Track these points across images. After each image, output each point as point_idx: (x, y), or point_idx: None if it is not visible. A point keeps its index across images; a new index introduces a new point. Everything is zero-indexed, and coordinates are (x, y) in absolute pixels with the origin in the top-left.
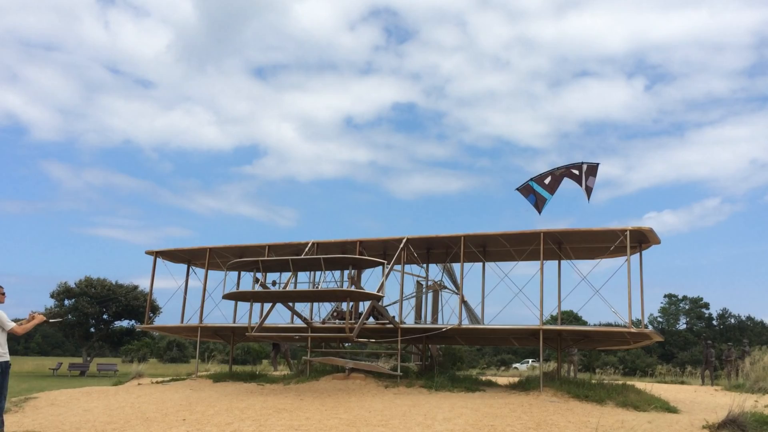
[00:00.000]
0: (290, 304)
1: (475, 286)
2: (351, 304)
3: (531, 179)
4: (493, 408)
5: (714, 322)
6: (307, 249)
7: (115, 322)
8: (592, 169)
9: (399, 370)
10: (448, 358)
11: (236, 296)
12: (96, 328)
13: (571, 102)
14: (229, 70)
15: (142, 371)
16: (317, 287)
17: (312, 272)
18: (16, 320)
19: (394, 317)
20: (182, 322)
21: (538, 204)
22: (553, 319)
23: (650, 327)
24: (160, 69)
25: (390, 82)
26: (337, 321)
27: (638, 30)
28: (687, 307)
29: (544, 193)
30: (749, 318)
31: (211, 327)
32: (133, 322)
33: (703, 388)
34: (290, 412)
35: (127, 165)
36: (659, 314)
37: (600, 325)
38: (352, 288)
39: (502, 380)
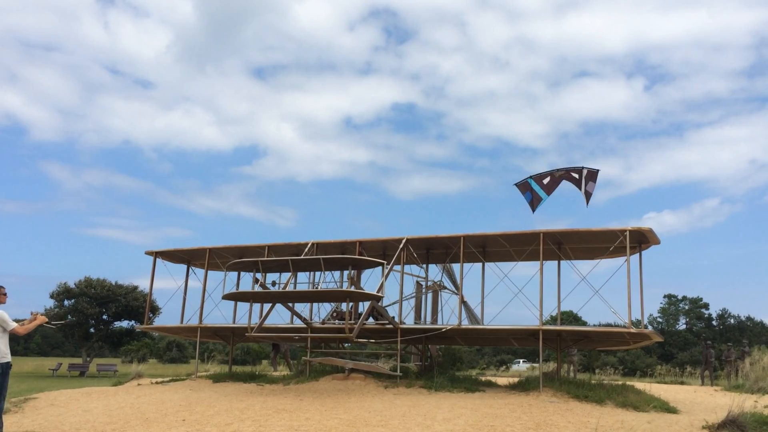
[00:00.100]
0: (290, 304)
1: (474, 287)
2: (351, 304)
3: (530, 177)
4: (492, 408)
5: (714, 323)
6: (306, 249)
7: (115, 323)
8: (593, 174)
9: (399, 371)
10: (447, 359)
11: (236, 297)
12: (96, 328)
13: (571, 102)
14: (228, 70)
15: (141, 372)
16: (317, 288)
17: (312, 273)
18: (16, 321)
19: (393, 318)
20: (182, 322)
21: (534, 202)
22: (553, 320)
23: (650, 327)
24: (160, 69)
25: (389, 82)
26: (336, 321)
27: (638, 30)
28: (686, 307)
29: (541, 193)
30: (749, 318)
31: (211, 327)
32: (132, 322)
33: (703, 388)
34: (290, 412)
35: (127, 165)
36: (659, 314)
37: (600, 325)
38: (352, 288)
39: (501, 380)
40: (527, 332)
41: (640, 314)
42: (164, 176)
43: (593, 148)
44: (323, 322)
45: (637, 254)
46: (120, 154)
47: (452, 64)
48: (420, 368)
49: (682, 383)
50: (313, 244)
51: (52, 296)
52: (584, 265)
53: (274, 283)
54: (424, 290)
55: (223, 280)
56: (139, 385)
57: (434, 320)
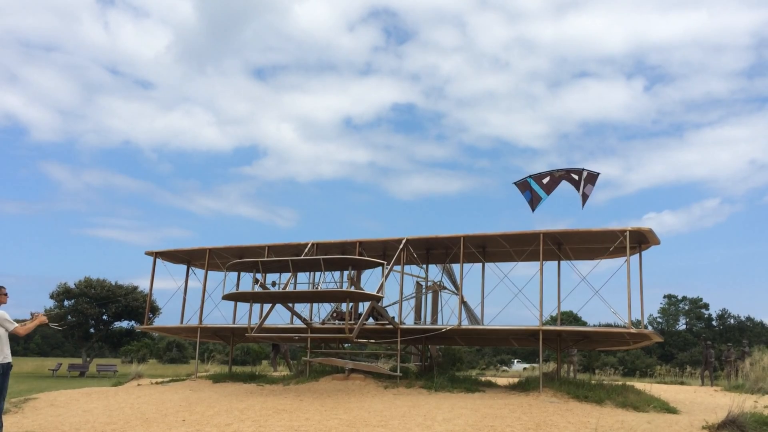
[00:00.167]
0: (290, 304)
1: (474, 287)
2: (351, 304)
3: (530, 176)
4: (492, 408)
5: (713, 323)
6: (306, 250)
7: (115, 323)
8: (592, 177)
9: (399, 371)
10: (447, 359)
11: (236, 297)
12: (96, 328)
13: (571, 103)
14: (228, 70)
15: (141, 372)
16: (317, 288)
17: (312, 273)
18: (16, 321)
19: (393, 318)
20: (182, 322)
21: (533, 202)
22: (553, 320)
23: (650, 327)
24: (160, 70)
25: (389, 82)
26: (336, 322)
27: (637, 31)
28: (686, 307)
29: (541, 192)
30: (749, 318)
31: (211, 328)
32: (132, 322)
33: (703, 388)
34: (290, 412)
35: (127, 166)
36: (659, 315)
37: (600, 325)
38: (352, 289)
39: (501, 381)
40: (527, 332)
41: (640, 314)
42: (164, 176)
43: (593, 149)
44: (323, 323)
45: (637, 254)
46: (120, 154)
47: (452, 65)
48: (420, 368)
49: (682, 383)
50: (313, 244)
51: (52, 296)
52: (584, 266)
53: (274, 284)
54: (424, 290)
55: (223, 281)
56: (139, 385)
57: (434, 320)
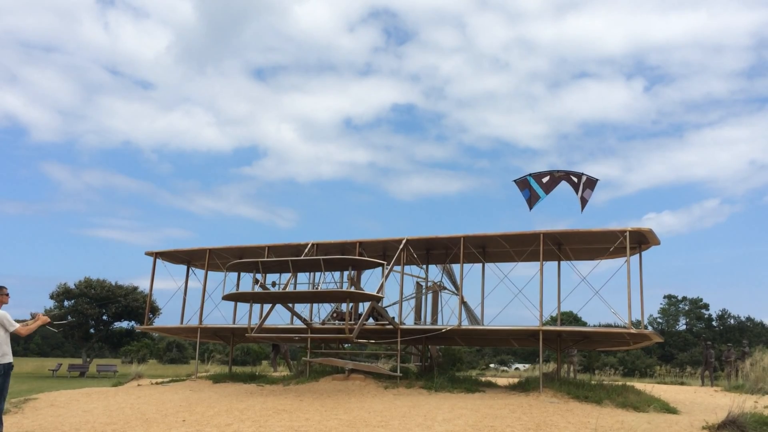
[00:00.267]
0: (290, 305)
1: (474, 287)
2: (351, 305)
3: (530, 174)
4: (493, 409)
5: (714, 323)
6: (306, 250)
7: (115, 323)
8: (591, 182)
9: (399, 371)
10: (447, 359)
11: (236, 297)
12: (96, 329)
13: (571, 103)
14: (228, 71)
15: (141, 372)
16: (317, 288)
17: (312, 273)
18: (17, 321)
19: (393, 318)
20: (182, 323)
21: (531, 200)
22: (553, 320)
23: (650, 328)
24: (160, 70)
25: (389, 83)
26: (336, 322)
27: (637, 31)
28: (686, 308)
29: (540, 191)
30: (749, 319)
31: (211, 328)
32: (132, 323)
33: (703, 389)
34: (290, 413)
35: (127, 166)
36: (659, 315)
37: (600, 326)
38: (352, 289)
39: (501, 381)
40: (527, 333)
41: (640, 315)
42: (164, 177)
43: (593, 149)
44: (323, 323)
45: (637, 255)
46: (120, 154)
47: (452, 65)
48: (420, 369)
49: (682, 384)
50: (313, 244)
51: (52, 297)
52: (584, 266)
53: (274, 284)
54: (424, 291)
55: (223, 281)
56: (139, 385)
57: (434, 321)
